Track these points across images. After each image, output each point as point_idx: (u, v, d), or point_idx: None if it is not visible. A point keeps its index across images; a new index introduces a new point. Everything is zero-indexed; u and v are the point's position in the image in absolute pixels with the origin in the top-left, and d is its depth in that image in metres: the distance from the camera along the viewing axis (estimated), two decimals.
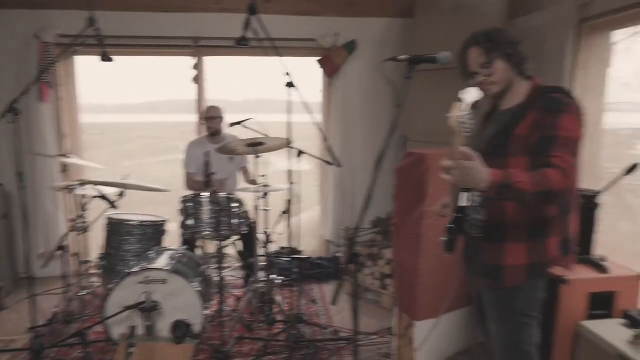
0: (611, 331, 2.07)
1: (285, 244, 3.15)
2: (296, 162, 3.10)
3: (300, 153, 3.14)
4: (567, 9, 2.82)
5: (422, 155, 2.39)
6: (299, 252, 3.85)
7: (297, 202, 3.20)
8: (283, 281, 3.49)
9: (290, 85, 2.55)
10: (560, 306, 2.25)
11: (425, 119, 3.56)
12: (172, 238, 3.38)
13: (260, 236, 3.26)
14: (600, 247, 2.61)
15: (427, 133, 3.55)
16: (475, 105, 1.23)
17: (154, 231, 3.24)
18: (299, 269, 3.60)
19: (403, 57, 1.56)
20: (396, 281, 2.70)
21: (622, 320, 2.17)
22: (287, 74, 2.57)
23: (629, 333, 2.00)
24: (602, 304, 2.30)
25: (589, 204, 2.43)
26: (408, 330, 2.59)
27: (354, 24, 4.07)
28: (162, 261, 2.75)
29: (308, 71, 4.22)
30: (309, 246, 4.55)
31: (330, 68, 4.03)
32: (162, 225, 3.29)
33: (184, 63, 4.15)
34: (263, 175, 3.21)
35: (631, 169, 2.29)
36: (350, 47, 4.01)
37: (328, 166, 3.48)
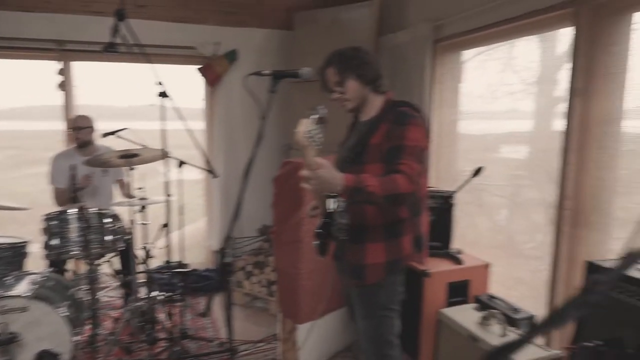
0: (464, 315, 2.35)
1: (169, 258, 3.04)
2: (179, 172, 3.02)
3: (182, 163, 3.07)
4: (424, 30, 3.15)
5: (297, 164, 2.48)
6: (184, 265, 3.73)
7: (181, 213, 3.11)
8: (167, 297, 3.36)
9: (163, 95, 2.48)
10: (424, 297, 2.49)
11: None
12: (37, 261, 3.06)
13: (139, 252, 3.11)
14: (462, 241, 2.95)
15: None
16: (323, 120, 1.34)
17: (13, 254, 2.90)
18: (184, 283, 3.49)
19: (266, 72, 1.62)
20: (278, 287, 2.76)
21: (474, 305, 2.48)
22: (160, 84, 2.49)
23: (478, 315, 2.29)
24: (459, 292, 2.59)
25: (445, 203, 2.74)
26: (292, 334, 2.66)
27: (234, 34, 4.08)
28: (22, 287, 2.48)
29: (191, 78, 4.14)
30: (196, 258, 4.43)
31: (212, 77, 4.00)
32: (23, 247, 2.95)
33: (50, 67, 3.80)
34: (140, 188, 3.07)
35: (477, 172, 2.62)
36: (231, 56, 4.02)
37: (216, 176, 3.44)
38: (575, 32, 2.15)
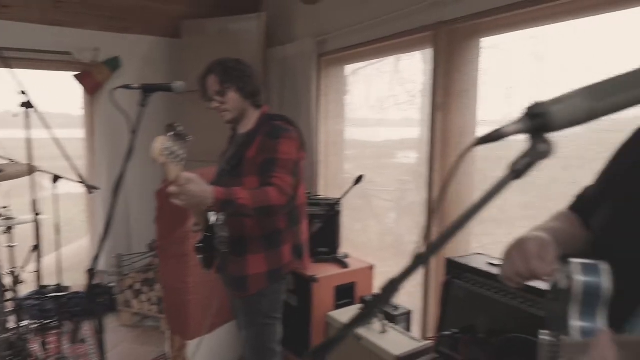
0: (350, 316, 2.47)
1: (44, 282, 2.78)
2: (55, 187, 2.79)
3: (57, 178, 2.84)
4: (309, 44, 3.28)
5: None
6: (63, 289, 3.43)
7: (57, 232, 2.87)
8: (40, 325, 3.06)
9: (26, 105, 2.28)
10: (313, 301, 2.58)
11: (199, 139, 3.62)
12: None
13: (6, 278, 2.81)
14: (353, 244, 3.09)
15: (201, 153, 3.62)
16: (181, 137, 1.34)
17: None
18: (62, 307, 3.21)
19: (135, 85, 1.59)
20: (165, 303, 2.68)
21: (359, 306, 2.62)
22: (23, 93, 2.28)
23: None
24: (346, 294, 2.73)
25: (331, 210, 2.86)
26: (181, 352, 2.59)
27: (116, 40, 3.86)
28: None
29: (69, 84, 3.83)
30: (79, 280, 4.09)
31: (91, 85, 3.74)
32: None
33: None
34: (5, 207, 2.79)
35: (358, 180, 2.78)
36: (113, 63, 3.79)
37: (94, 190, 3.21)
38: (434, 53, 2.40)
